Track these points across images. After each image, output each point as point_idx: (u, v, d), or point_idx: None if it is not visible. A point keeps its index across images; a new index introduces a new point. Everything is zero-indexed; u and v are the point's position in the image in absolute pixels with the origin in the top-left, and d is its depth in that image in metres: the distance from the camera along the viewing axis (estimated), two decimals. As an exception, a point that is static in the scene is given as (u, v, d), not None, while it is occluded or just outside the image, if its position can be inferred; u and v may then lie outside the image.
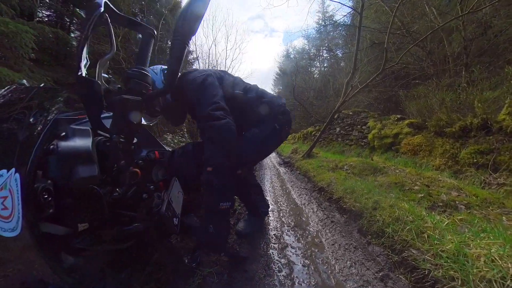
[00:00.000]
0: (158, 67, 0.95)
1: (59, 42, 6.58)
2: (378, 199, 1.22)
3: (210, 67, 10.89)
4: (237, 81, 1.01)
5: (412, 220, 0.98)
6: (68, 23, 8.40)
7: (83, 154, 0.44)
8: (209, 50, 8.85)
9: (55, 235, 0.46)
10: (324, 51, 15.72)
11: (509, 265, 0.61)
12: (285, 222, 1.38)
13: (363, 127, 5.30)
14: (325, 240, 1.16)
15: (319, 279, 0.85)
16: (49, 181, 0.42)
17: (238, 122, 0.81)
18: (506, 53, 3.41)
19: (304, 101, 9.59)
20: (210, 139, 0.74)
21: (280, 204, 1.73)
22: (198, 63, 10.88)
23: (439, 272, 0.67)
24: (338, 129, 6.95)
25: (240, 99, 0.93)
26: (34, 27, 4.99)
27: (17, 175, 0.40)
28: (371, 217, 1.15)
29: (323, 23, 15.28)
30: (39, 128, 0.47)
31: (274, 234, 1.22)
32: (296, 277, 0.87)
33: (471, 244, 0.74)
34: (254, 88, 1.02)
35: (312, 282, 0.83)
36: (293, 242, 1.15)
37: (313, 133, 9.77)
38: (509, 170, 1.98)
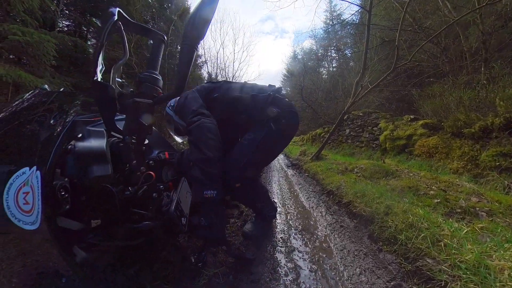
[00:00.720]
0: (168, 104, 1.06)
1: (77, 49, 7.07)
2: (390, 204, 1.18)
3: (218, 70, 11.06)
4: (233, 87, 1.02)
5: (427, 227, 0.93)
6: (85, 32, 8.96)
7: (98, 154, 0.46)
8: (217, 53, 8.98)
9: (70, 229, 0.48)
10: (332, 51, 15.48)
11: (538, 280, 0.56)
12: (292, 225, 1.36)
13: (374, 128, 5.13)
14: (333, 246, 1.13)
15: (327, 285, 0.83)
16: (66, 179, 0.45)
17: (235, 130, 0.83)
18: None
19: (313, 102, 9.46)
20: (189, 141, 0.83)
21: (288, 207, 1.71)
22: (207, 66, 11.11)
23: (457, 284, 0.63)
24: (348, 130, 6.78)
25: (232, 103, 0.94)
26: (55, 36, 5.44)
27: (38, 172, 0.43)
28: (382, 222, 1.11)
29: (330, 23, 15.07)
30: (58, 129, 0.50)
31: (281, 237, 1.21)
32: (303, 282, 0.85)
33: (494, 255, 0.69)
34: (243, 86, 1.02)
35: (319, 289, 0.81)
36: (300, 246, 1.13)
37: (321, 134, 9.59)
38: (537, 174, 1.83)
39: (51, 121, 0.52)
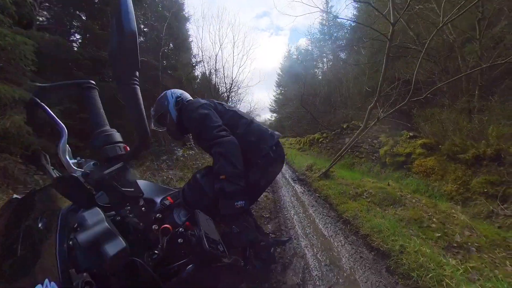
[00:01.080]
0: (177, 92, 1.16)
1: (59, 49, 6.21)
2: (403, 244, 1.52)
3: (213, 72, 11.09)
4: (242, 122, 1.12)
5: (433, 267, 1.28)
6: (68, 28, 8.29)
7: (103, 234, 0.44)
8: (216, 56, 8.97)
9: None
10: (328, 52, 15.95)
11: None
12: (321, 259, 1.67)
13: (374, 141, 5.58)
14: (358, 277, 1.45)
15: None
16: (85, 274, 0.43)
17: None
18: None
19: (311, 107, 9.86)
20: (219, 153, 0.91)
21: (310, 237, 2.01)
22: (203, 64, 11.08)
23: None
24: (347, 139, 7.24)
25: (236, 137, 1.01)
26: (33, 35, 4.94)
27: (53, 283, 0.41)
28: (397, 259, 1.45)
29: (326, 24, 15.47)
30: (51, 233, 0.48)
31: (316, 275, 1.51)
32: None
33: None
34: (244, 123, 1.11)
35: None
36: (333, 278, 1.44)
37: (319, 140, 10.07)
38: (516, 203, 2.28)
39: (39, 226, 0.50)
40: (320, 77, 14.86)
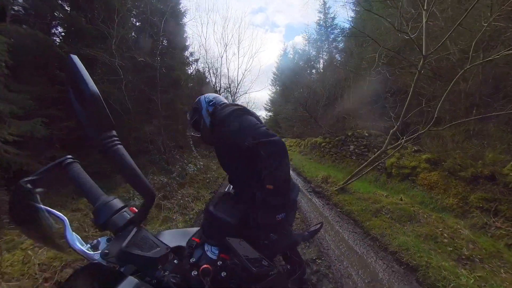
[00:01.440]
0: (210, 96, 1.14)
1: (38, 45, 5.29)
2: (428, 260, 2.07)
3: (214, 71, 11.11)
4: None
5: (453, 279, 1.82)
6: (49, 20, 6.80)
7: None
8: (221, 58, 9.08)
9: None
10: (324, 52, 16.60)
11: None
12: (358, 277, 2.18)
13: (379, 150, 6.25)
14: (388, 283, 1.97)
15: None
16: None
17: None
18: None
19: (313, 111, 10.44)
20: (271, 154, 0.80)
21: (345, 256, 2.52)
22: (207, 64, 11.14)
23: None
24: (352, 147, 7.90)
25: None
26: (6, 30, 4.32)
27: None
28: (424, 273, 1.99)
29: (324, 24, 16.08)
30: None
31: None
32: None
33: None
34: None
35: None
36: (366, 282, 1.95)
37: (322, 144, 10.73)
38: (505, 217, 2.94)
39: None
40: (316, 78, 15.42)
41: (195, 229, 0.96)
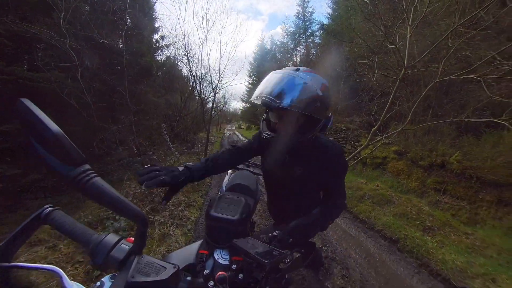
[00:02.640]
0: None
1: None
2: (406, 233, 2.74)
3: (190, 59, 10.25)
4: None
5: (423, 244, 2.51)
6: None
7: None
8: (201, 46, 8.30)
9: None
10: (301, 46, 17.25)
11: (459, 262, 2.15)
12: (352, 253, 2.76)
13: (356, 143, 7.16)
14: (378, 256, 2.60)
15: (375, 264, 2.27)
16: None
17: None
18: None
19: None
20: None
21: (341, 240, 3.09)
22: (174, 49, 10.29)
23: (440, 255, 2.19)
24: (331, 139, 8.77)
25: None
26: None
27: None
28: (404, 243, 2.65)
29: (302, 18, 16.54)
30: None
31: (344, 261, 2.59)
32: (362, 274, 2.26)
33: (447, 254, 2.28)
34: None
35: (368, 266, 2.24)
36: (361, 257, 2.54)
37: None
38: (451, 195, 3.91)
39: None
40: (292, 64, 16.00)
41: (198, 242, 0.92)
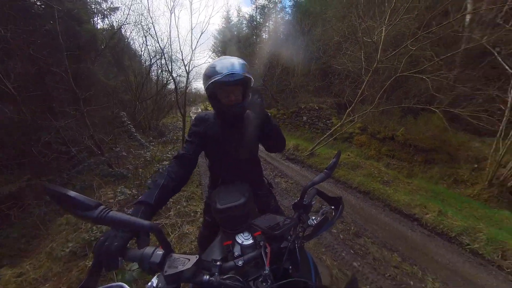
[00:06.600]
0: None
1: None
2: (372, 187, 3.92)
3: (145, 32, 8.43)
4: None
5: (384, 192, 3.72)
6: None
7: None
8: (172, 11, 6.47)
9: None
10: (271, 22, 17.07)
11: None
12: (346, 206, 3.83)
13: (328, 121, 8.37)
14: (358, 204, 3.72)
15: (357, 210, 3.40)
16: None
17: None
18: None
19: (268, 88, 11.58)
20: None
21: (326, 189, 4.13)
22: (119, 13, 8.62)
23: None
24: (305, 118, 9.85)
25: None
26: None
27: None
28: (372, 194, 3.83)
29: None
30: None
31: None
32: (351, 218, 3.37)
33: (399, 196, 3.52)
34: None
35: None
36: (349, 207, 3.62)
37: (277, 116, 12.39)
38: (397, 158, 5.42)
39: None
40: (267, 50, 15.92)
41: (218, 238, 0.96)
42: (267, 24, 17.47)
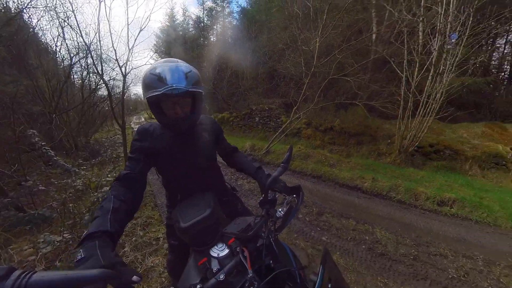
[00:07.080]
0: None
1: None
2: (323, 170, 4.57)
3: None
4: None
5: (334, 173, 4.40)
6: None
7: None
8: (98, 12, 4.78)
9: None
10: (219, 25, 17.20)
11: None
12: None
13: (278, 120, 9.09)
14: (314, 187, 4.26)
15: (315, 191, 3.95)
16: None
17: None
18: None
19: (219, 90, 11.59)
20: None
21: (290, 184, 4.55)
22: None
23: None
24: (257, 118, 10.35)
25: None
26: None
27: None
28: (324, 178, 4.46)
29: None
30: None
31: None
32: (311, 199, 3.89)
33: (344, 174, 4.24)
34: None
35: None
36: (307, 191, 4.11)
37: (230, 119, 12.49)
38: (337, 144, 6.47)
39: None
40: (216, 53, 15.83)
41: (191, 258, 0.85)
42: (215, 27, 17.37)
